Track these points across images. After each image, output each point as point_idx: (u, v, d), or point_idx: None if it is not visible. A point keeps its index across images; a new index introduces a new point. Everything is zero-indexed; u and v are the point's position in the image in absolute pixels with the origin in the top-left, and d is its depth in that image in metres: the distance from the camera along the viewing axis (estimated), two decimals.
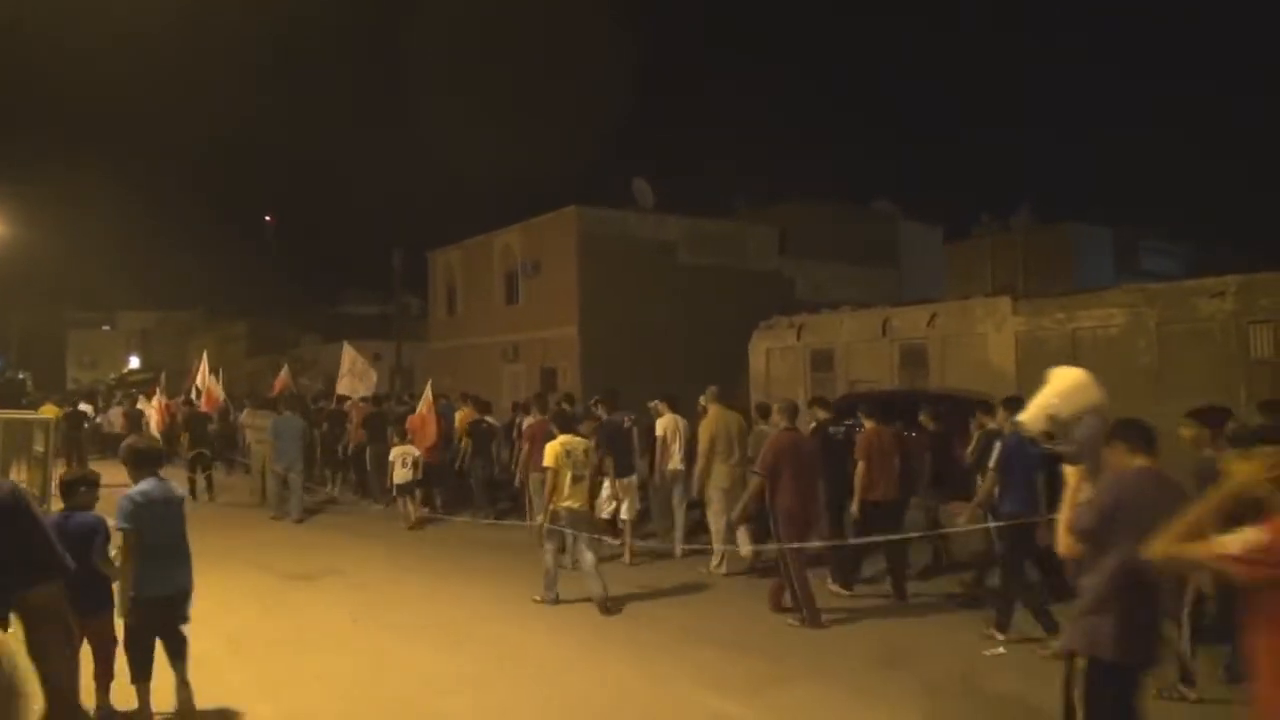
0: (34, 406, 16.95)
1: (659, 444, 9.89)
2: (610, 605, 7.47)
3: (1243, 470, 2.83)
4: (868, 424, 8.27)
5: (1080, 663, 3.69)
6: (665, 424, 9.90)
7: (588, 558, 7.59)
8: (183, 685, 5.10)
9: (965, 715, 5.13)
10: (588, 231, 23.30)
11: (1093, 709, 3.62)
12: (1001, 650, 6.21)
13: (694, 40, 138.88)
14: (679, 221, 25.00)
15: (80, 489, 5.01)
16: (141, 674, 5.00)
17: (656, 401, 10.23)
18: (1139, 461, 3.76)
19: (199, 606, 7.57)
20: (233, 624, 7.04)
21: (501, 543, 10.28)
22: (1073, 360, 15.57)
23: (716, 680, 5.59)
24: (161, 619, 5.05)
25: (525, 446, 10.38)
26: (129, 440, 6.44)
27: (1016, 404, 6.58)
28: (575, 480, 7.69)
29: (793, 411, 7.65)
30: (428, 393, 12.99)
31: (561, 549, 7.89)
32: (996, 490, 6.80)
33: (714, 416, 9.21)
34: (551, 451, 7.75)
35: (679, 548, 9.57)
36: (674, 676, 5.70)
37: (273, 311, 48.58)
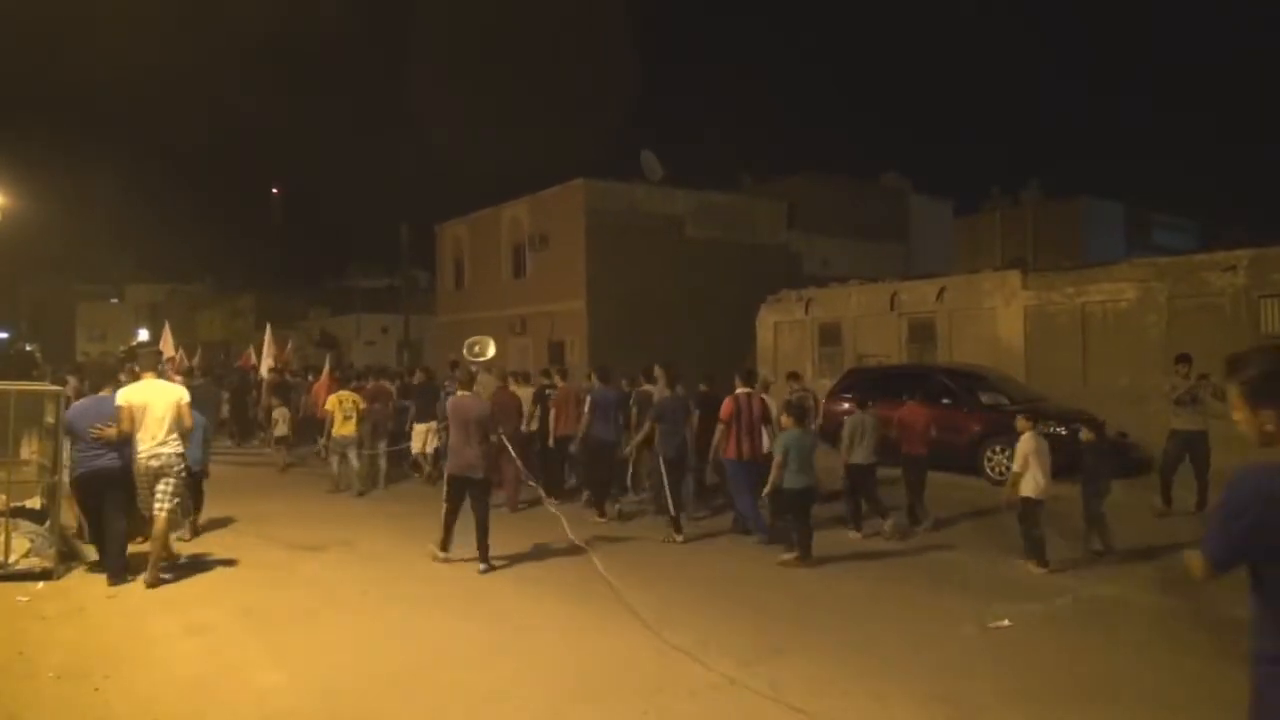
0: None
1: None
2: (358, 492, 12.01)
3: None
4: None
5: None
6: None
7: (352, 462, 12.08)
8: None
9: (979, 688, 5.14)
10: (595, 205, 23.17)
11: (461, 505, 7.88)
12: (1006, 622, 6.23)
13: (703, 12, 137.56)
14: (687, 195, 24.83)
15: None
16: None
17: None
18: (463, 391, 8.09)
19: (208, 578, 7.65)
20: (244, 595, 7.10)
21: (511, 514, 10.33)
22: (1083, 334, 15.57)
23: (726, 649, 5.62)
24: None
25: (552, 410, 11.79)
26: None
27: None
28: (345, 419, 12.01)
29: (470, 380, 9.39)
30: (326, 367, 16.60)
31: (344, 461, 12.09)
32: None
33: (481, 383, 11.82)
34: (331, 401, 12.37)
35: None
36: (684, 645, 5.72)
37: (281, 284, 48.66)
